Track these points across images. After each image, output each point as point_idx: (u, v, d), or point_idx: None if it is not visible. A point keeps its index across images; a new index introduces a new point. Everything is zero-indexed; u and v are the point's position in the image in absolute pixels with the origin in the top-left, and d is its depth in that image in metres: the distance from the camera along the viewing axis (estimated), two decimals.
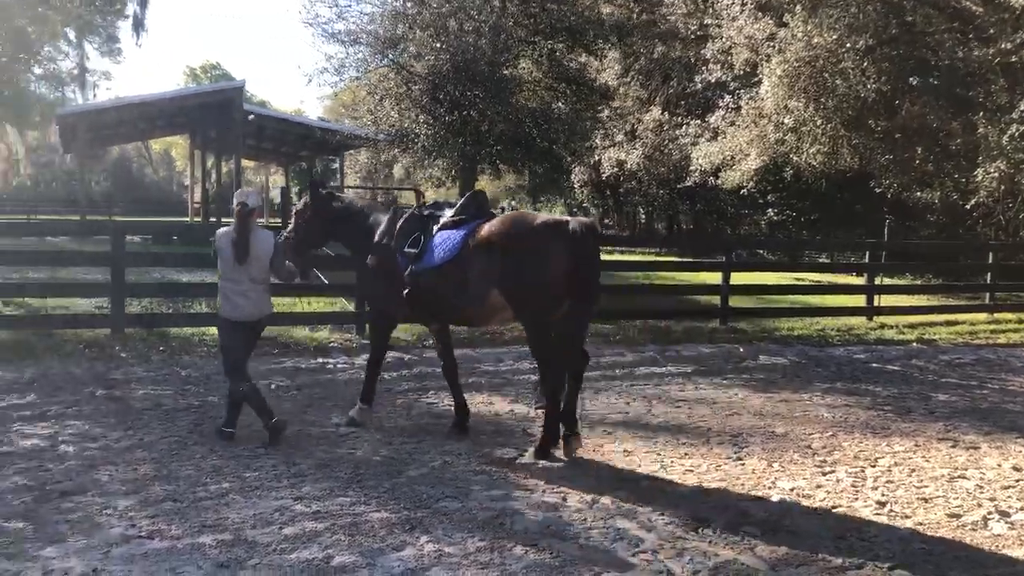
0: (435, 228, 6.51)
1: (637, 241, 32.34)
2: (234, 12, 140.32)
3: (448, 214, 6.62)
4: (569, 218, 6.14)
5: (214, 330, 10.36)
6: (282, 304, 12.11)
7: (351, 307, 12.00)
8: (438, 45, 13.71)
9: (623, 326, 12.48)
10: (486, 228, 6.23)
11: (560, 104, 16.49)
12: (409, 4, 14.70)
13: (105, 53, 51.31)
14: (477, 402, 7.92)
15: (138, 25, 32.83)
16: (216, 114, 25.13)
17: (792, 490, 5.68)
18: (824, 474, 6.08)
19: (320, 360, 9.71)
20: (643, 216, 42.59)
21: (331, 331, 10.98)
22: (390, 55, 15.00)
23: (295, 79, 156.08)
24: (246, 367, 6.54)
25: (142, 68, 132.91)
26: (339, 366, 9.53)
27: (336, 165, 47.02)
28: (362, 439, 6.61)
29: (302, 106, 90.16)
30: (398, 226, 6.71)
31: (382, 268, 6.72)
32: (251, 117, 24.26)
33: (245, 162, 39.01)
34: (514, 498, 5.27)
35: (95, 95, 55.12)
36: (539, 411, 7.63)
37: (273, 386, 8.41)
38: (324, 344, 10.42)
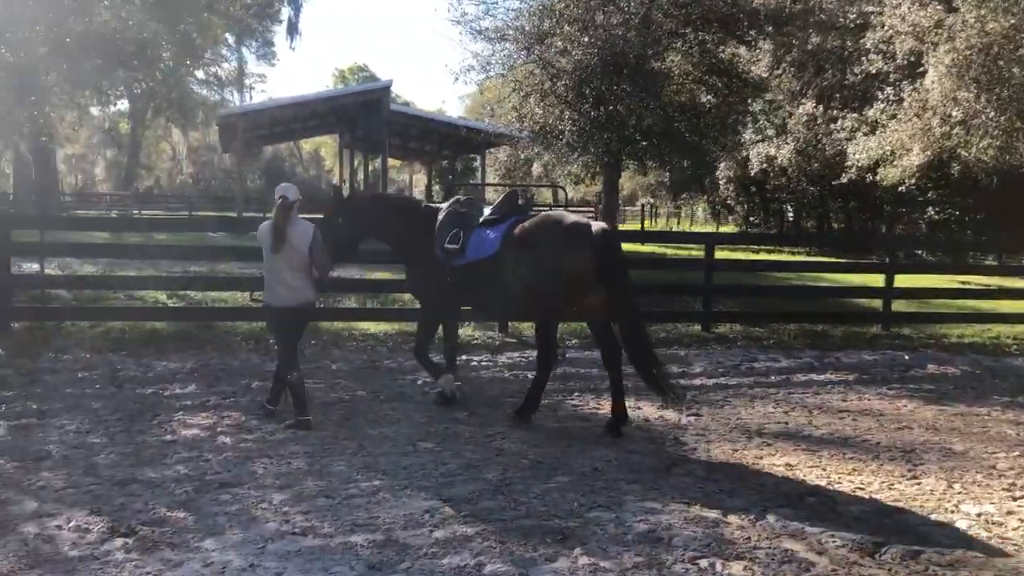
0: (474, 226, 7.04)
1: (785, 240, 30.92)
2: (380, 14, 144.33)
3: (486, 212, 7.20)
4: (592, 221, 6.97)
5: (363, 325, 10.56)
6: None
7: None
8: (586, 39, 13.40)
9: (776, 330, 11.90)
10: (519, 228, 6.83)
11: (710, 97, 15.87)
12: None
13: (260, 57, 53.83)
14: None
15: (292, 29, 34.28)
16: (364, 114, 25.80)
17: (979, 516, 5.14)
18: (1015, 499, 5.49)
19: (464, 357, 9.68)
20: (790, 214, 40.92)
21: (474, 328, 10.95)
22: (536, 51, 14.83)
23: (437, 79, 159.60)
24: (296, 355, 6.87)
25: (292, 70, 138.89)
26: (483, 363, 9.48)
27: (477, 163, 47.50)
28: (509, 440, 6.48)
29: (443, 105, 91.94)
30: (438, 223, 7.19)
31: (429, 263, 7.19)
32: (395, 117, 24.78)
33: (391, 161, 39.97)
34: (670, 511, 4.99)
35: (251, 97, 57.91)
36: (690, 418, 7.37)
37: (419, 382, 8.42)
38: (467, 341, 10.40)
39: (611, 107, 14.38)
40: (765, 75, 18.72)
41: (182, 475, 5.43)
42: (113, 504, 4.87)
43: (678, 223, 49.55)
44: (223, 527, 4.57)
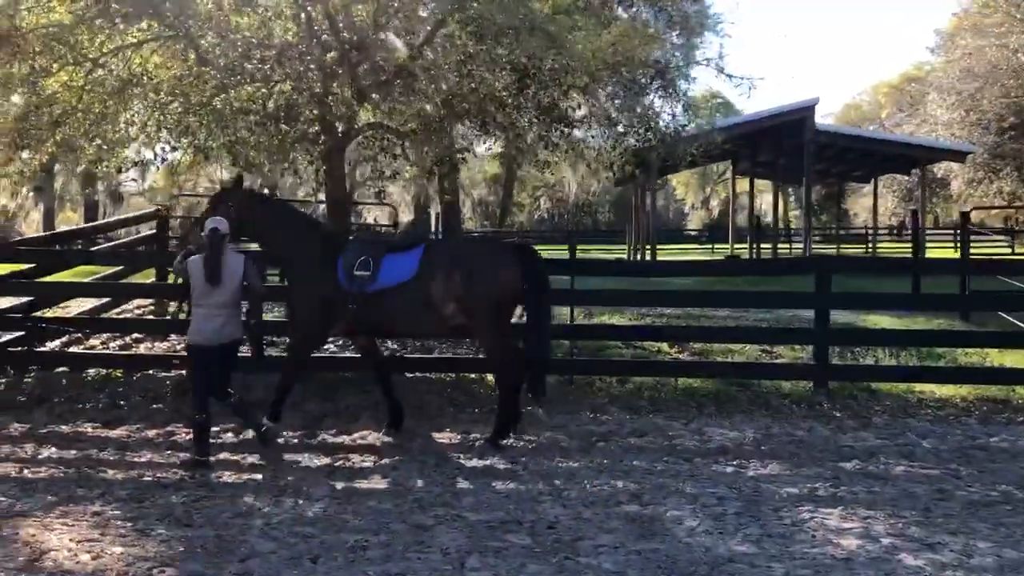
0: (384, 252, 7.09)
1: None
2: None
3: (396, 239, 7.71)
4: (517, 242, 8.08)
5: (923, 387, 8.66)
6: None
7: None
8: None
9: None
10: (443, 250, 7.50)
11: None
12: None
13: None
14: None
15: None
16: (776, 137, 23.98)
17: None
18: None
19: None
20: None
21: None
22: None
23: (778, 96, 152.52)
24: (209, 391, 6.56)
25: None
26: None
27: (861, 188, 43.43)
28: None
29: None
30: (345, 250, 7.14)
31: (320, 290, 7.10)
32: (821, 136, 22.58)
33: (746, 184, 37.33)
34: None
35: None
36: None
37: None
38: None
39: None
40: None
41: None
42: None
43: None
44: None
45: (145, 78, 8.92)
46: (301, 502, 5.75)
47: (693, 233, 68.62)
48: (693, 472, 6.43)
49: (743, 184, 40.87)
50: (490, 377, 8.79)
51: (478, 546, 4.94)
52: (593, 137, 11.68)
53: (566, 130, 9.82)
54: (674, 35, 10.32)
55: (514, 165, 56.60)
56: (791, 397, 8.38)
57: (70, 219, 59.24)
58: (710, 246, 48.71)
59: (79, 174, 43.66)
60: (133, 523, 5.33)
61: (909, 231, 26.77)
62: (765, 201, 64.71)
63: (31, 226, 55.46)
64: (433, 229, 36.72)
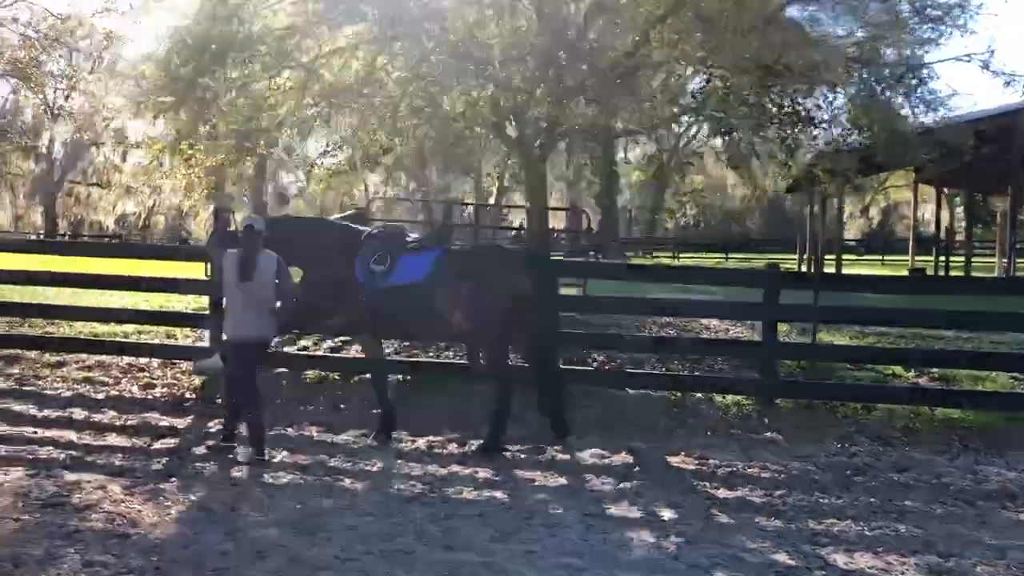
0: (401, 251, 6.99)
1: None
2: None
3: (413, 238, 7.36)
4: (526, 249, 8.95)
5: None
6: None
7: None
8: None
9: None
10: (455, 254, 7.15)
11: None
12: None
13: None
14: None
15: None
16: (978, 139, 22.13)
17: None
18: None
19: None
20: None
21: None
22: None
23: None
24: (256, 387, 6.65)
25: None
26: None
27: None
28: None
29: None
30: (362, 246, 7.07)
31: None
32: None
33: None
34: None
35: None
36: None
37: None
38: None
39: None
40: None
41: None
42: None
43: None
44: None
45: (365, 84, 8.88)
46: (554, 528, 5.39)
47: (851, 243, 65.36)
48: (982, 518, 5.70)
49: (903, 193, 38.01)
50: (718, 397, 8.25)
51: None
52: (837, 137, 10.91)
53: (812, 130, 9.20)
54: (925, 28, 9.45)
55: (667, 170, 55.63)
56: None
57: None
58: (879, 258, 46.03)
59: (247, 176, 45.56)
60: (391, 541, 5.10)
61: None
62: (930, 211, 60.84)
63: (199, 225, 58.46)
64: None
